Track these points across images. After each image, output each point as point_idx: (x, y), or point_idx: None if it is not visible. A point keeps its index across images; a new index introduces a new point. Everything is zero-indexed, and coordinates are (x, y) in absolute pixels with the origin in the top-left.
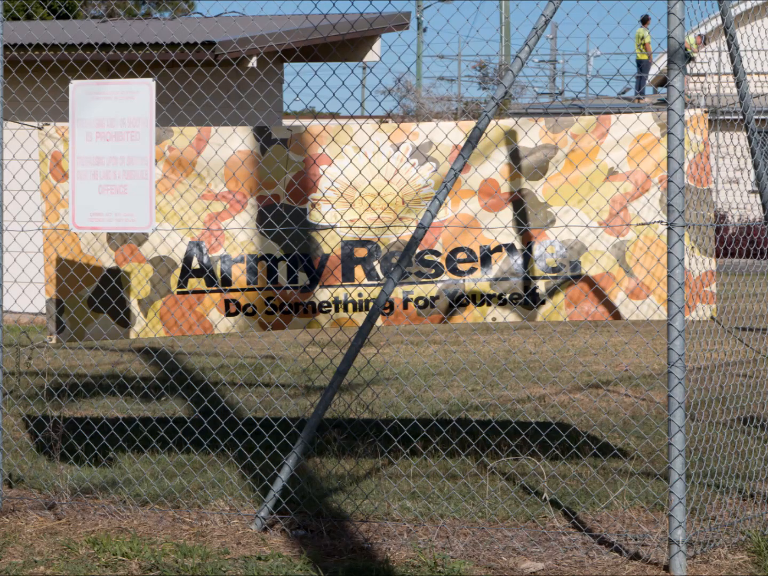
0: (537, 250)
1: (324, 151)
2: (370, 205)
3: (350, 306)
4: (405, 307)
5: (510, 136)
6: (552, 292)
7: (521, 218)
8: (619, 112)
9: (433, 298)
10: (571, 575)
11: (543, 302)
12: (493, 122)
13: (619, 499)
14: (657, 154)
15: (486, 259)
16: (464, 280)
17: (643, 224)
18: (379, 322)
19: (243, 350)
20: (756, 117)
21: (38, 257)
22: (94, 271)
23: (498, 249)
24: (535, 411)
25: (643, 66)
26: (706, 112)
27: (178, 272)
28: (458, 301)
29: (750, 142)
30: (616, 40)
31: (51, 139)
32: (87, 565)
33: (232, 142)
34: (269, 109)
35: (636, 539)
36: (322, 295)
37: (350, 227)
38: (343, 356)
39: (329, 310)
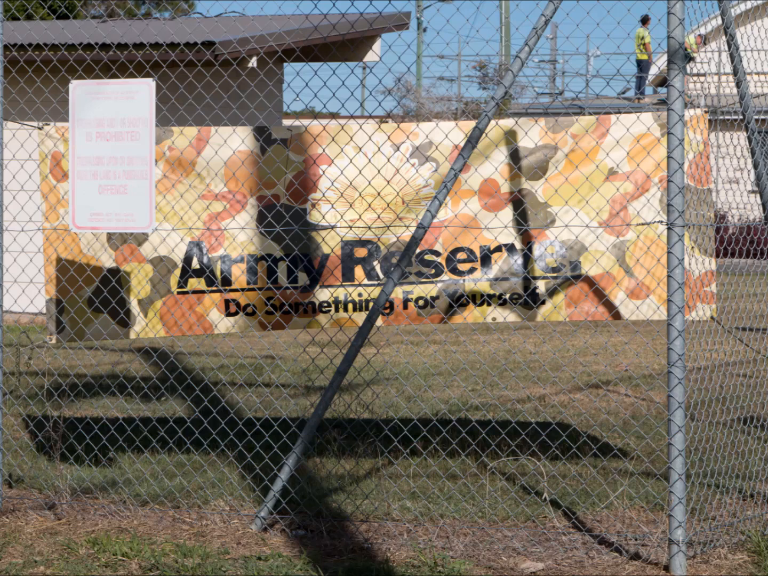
0: (537, 250)
1: (324, 151)
2: (370, 205)
3: (350, 306)
4: (405, 307)
5: (510, 136)
6: (552, 292)
7: (521, 218)
8: (619, 112)
9: (433, 298)
10: (571, 575)
11: (543, 302)
12: (493, 122)
13: (619, 499)
14: (657, 154)
15: (486, 259)
16: (464, 280)
17: (643, 224)
18: (379, 322)
19: (243, 350)
20: (756, 117)
21: (38, 257)
22: (94, 271)
23: (498, 249)
24: (535, 411)
25: (643, 66)
26: (706, 112)
27: (178, 272)
28: (458, 301)
29: (750, 142)
30: (616, 40)
31: (51, 139)
32: (87, 565)
33: (232, 142)
34: (269, 109)
35: (636, 539)
36: (322, 295)
37: (350, 227)
38: (343, 356)
39: (329, 310)
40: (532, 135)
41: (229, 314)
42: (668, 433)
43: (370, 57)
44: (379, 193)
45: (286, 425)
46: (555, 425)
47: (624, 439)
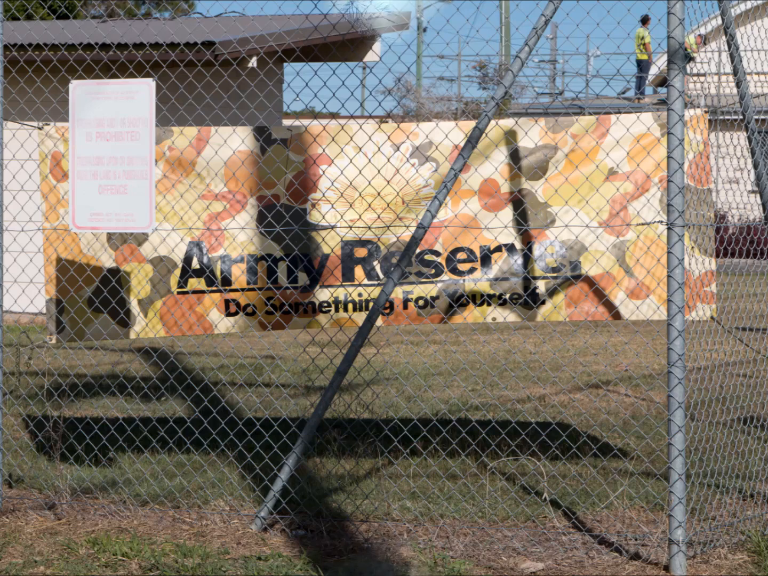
0: (537, 250)
1: (324, 151)
2: (370, 205)
3: (350, 306)
4: (405, 307)
5: (510, 136)
6: (552, 292)
7: (521, 218)
8: (619, 112)
9: (433, 298)
10: (571, 575)
11: (543, 302)
12: (493, 122)
13: (619, 499)
14: (657, 154)
15: (486, 259)
16: (464, 280)
17: (643, 224)
18: (379, 322)
19: (243, 350)
20: (756, 117)
21: (38, 257)
22: (94, 271)
23: (498, 249)
24: (535, 411)
25: (643, 66)
26: (706, 112)
27: (178, 272)
28: (458, 301)
29: (750, 142)
30: (616, 40)
31: (51, 139)
32: (87, 565)
33: (232, 142)
34: (269, 109)
35: (636, 539)
36: (322, 295)
37: (350, 227)
38: (343, 356)
39: (329, 310)
40: (532, 135)
41: (229, 314)
42: (668, 433)
43: (370, 57)
44: (379, 193)
45: (286, 425)
46: (555, 425)
47: (624, 439)
